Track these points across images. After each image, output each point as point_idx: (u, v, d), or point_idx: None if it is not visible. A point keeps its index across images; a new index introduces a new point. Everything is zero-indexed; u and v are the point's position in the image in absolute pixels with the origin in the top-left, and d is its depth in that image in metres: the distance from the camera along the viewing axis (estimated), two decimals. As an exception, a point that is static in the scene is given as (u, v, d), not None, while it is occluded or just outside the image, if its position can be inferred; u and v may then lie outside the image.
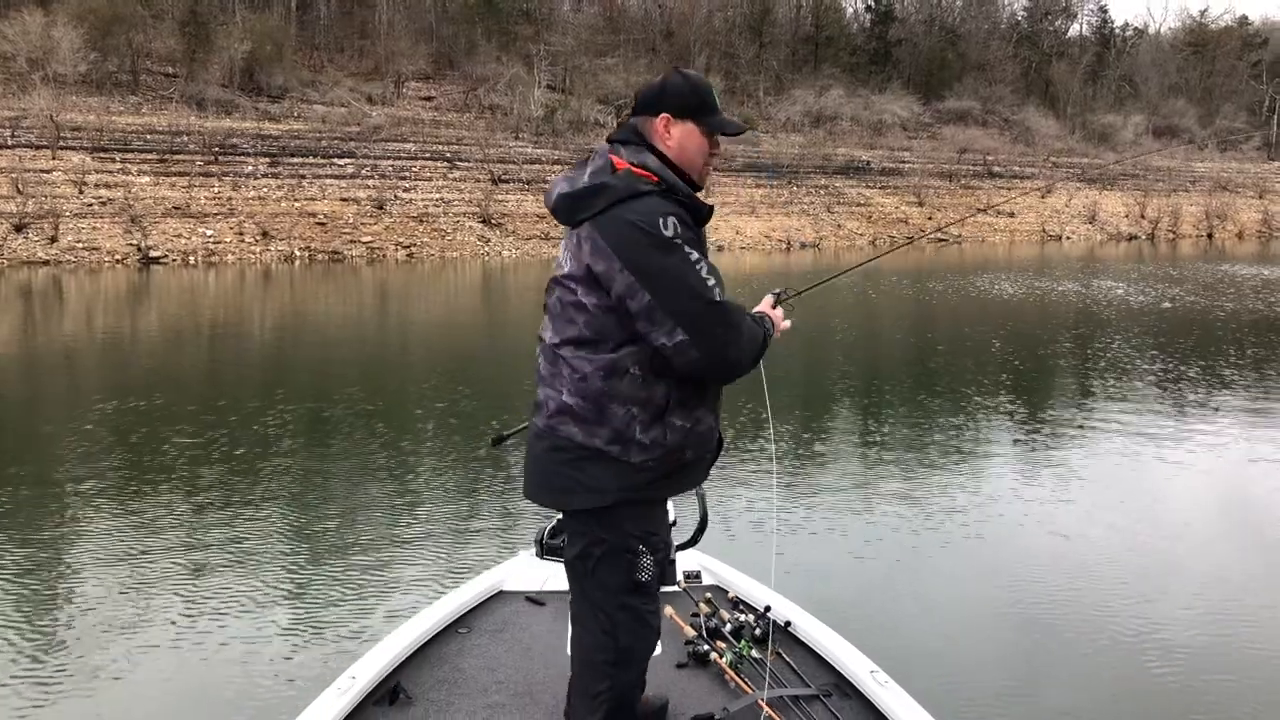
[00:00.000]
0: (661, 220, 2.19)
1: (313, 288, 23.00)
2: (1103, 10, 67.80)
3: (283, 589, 5.15)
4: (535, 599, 3.56)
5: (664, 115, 2.33)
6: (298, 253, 28.30)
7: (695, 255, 2.21)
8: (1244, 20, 71.99)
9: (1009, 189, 45.92)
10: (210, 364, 13.09)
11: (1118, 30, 67.88)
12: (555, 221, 2.50)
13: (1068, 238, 42.25)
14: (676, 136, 2.34)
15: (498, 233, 32.15)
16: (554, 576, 3.59)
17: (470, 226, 31.93)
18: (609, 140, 2.38)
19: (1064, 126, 54.80)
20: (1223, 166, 56.03)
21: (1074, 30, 66.38)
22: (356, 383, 11.27)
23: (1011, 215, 43.50)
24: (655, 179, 2.26)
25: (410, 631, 3.17)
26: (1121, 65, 64.46)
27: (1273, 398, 10.92)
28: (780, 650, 3.12)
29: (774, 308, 2.59)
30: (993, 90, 54.41)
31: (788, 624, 3.28)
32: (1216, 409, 10.22)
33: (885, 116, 48.24)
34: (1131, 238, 43.14)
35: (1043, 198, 45.77)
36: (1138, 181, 50.14)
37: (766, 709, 2.78)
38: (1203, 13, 73.17)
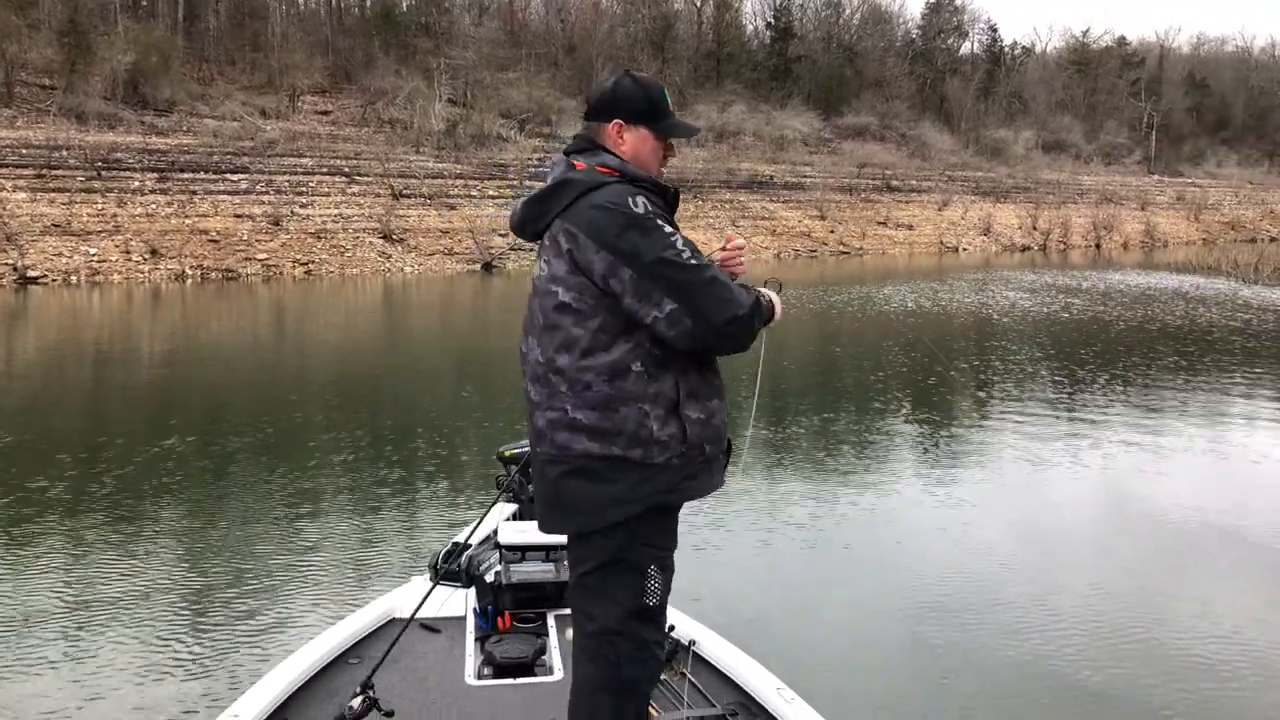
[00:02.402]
0: (630, 199, 2.18)
1: (206, 307, 22.07)
2: (993, 29, 69.97)
3: (167, 625, 4.85)
4: (430, 625, 3.44)
5: (616, 121, 2.34)
6: (189, 271, 27.18)
7: (669, 229, 2.19)
8: (1123, 40, 75.32)
9: (907, 203, 46.91)
10: (93, 390, 12.31)
11: (1007, 49, 70.22)
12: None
13: (964, 249, 43.30)
14: (630, 142, 2.35)
15: (399, 248, 31.43)
16: (449, 602, 3.53)
17: (371, 242, 31.14)
18: (565, 152, 2.38)
19: (958, 141, 56.30)
20: (1108, 180, 58.25)
21: (966, 48, 68.50)
22: (249, 407, 10.73)
23: (910, 228, 44.40)
24: (615, 174, 2.26)
25: (297, 664, 3.03)
26: (1011, 82, 66.63)
27: (1163, 402, 11.17)
28: (685, 670, 3.07)
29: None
30: (890, 106, 55.61)
31: (692, 644, 3.21)
32: (1109, 414, 10.41)
33: (787, 132, 48.86)
34: (1025, 248, 44.43)
35: (940, 210, 46.88)
36: (1029, 194, 51.77)
37: None
38: (1085, 33, 76.34)
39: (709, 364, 2.36)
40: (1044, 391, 11.82)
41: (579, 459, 2.23)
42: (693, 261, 2.18)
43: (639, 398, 2.20)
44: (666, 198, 2.31)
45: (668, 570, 2.35)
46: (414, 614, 3.32)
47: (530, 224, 2.34)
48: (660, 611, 2.37)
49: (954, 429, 9.87)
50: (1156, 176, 62.61)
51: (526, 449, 4.04)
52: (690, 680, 3.05)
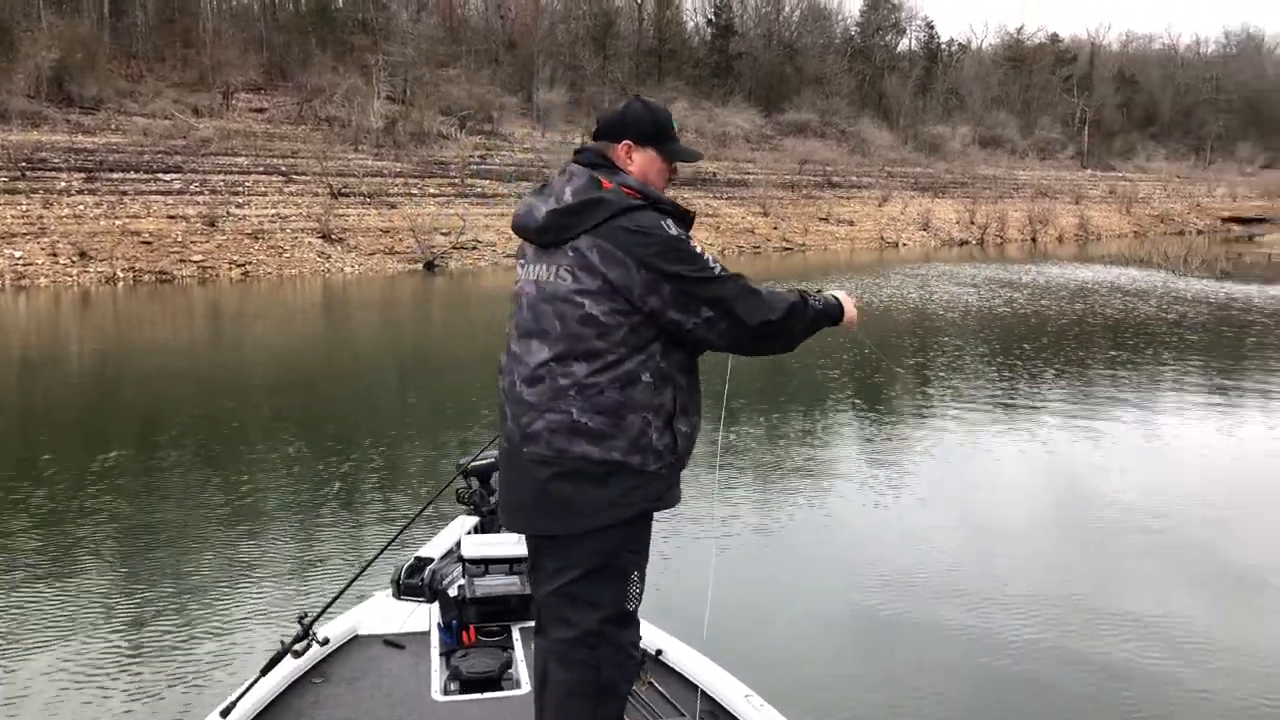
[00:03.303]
0: (663, 223, 2.32)
1: (139, 311, 21.43)
2: (930, 26, 70.84)
3: (117, 652, 4.67)
4: (394, 642, 3.42)
5: (626, 142, 2.47)
6: (121, 274, 26.39)
7: (700, 248, 2.35)
8: (1055, 38, 76.72)
9: (848, 199, 47.30)
10: (18, 400, 11.84)
11: (944, 46, 71.16)
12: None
13: (904, 244, 43.74)
14: (638, 162, 2.47)
15: (339, 248, 30.88)
16: (413, 617, 3.51)
17: (309, 242, 30.54)
18: (576, 161, 2.47)
19: (897, 137, 56.88)
20: (1043, 174, 59.30)
21: (904, 45, 69.27)
22: (188, 417, 10.39)
23: (851, 224, 44.75)
24: (640, 196, 2.36)
25: (260, 687, 2.95)
26: (948, 79, 67.53)
27: (1105, 395, 11.34)
28: (652, 679, 3.08)
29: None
30: (830, 103, 55.99)
31: (659, 652, 3.23)
32: (1054, 407, 10.55)
33: (729, 129, 48.96)
34: (963, 243, 45.02)
35: (880, 206, 47.32)
36: (967, 189, 52.50)
37: None
38: (1019, 30, 77.61)
39: (697, 381, 2.51)
40: (988, 386, 11.92)
41: (576, 461, 2.31)
42: (725, 274, 2.35)
43: (645, 407, 2.32)
44: (685, 221, 2.43)
45: (644, 579, 2.44)
46: (378, 631, 3.28)
47: (551, 233, 2.39)
48: (636, 616, 2.44)
49: (901, 426, 9.91)
50: (1089, 171, 63.94)
51: (487, 462, 4.07)
52: (657, 689, 3.05)
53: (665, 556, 5.81)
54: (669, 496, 2.43)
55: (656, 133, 2.49)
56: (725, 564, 5.94)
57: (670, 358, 2.39)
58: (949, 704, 4.32)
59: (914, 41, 69.87)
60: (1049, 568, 5.93)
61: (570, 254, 2.35)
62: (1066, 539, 6.58)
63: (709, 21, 59.30)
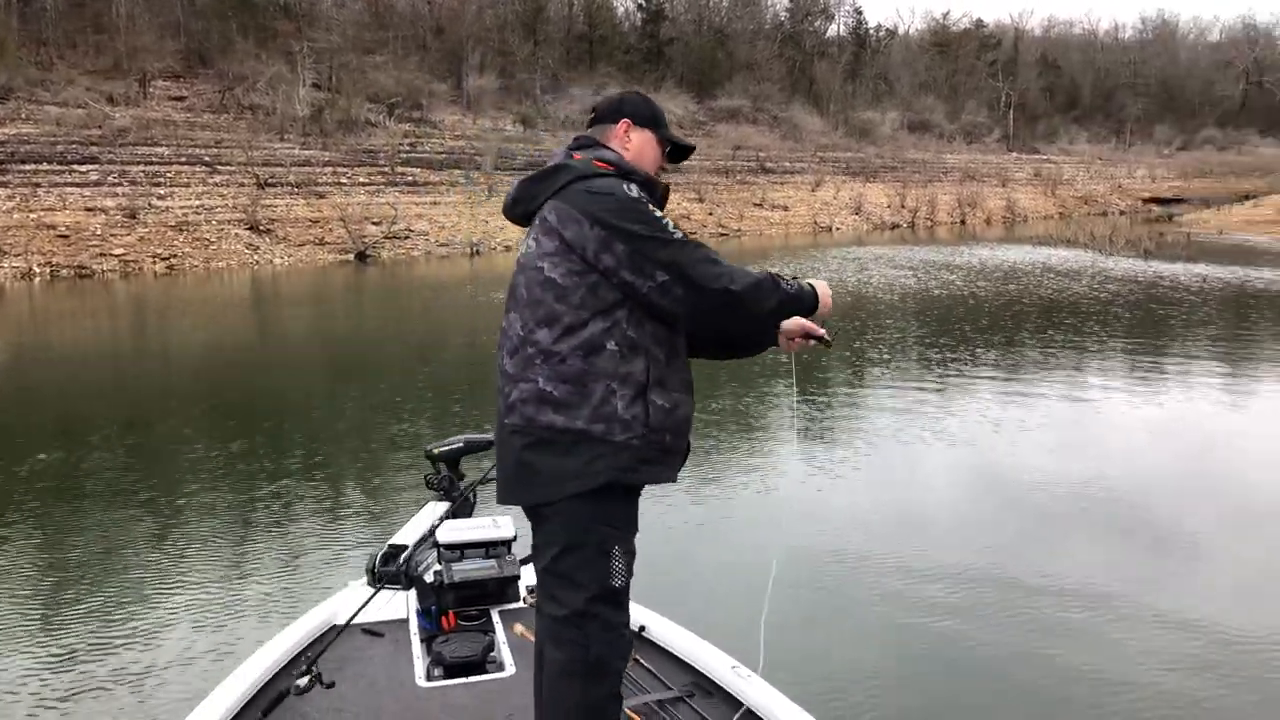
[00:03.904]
0: (625, 185, 2.33)
1: (57, 307, 20.60)
2: (858, 12, 71.44)
3: (85, 658, 4.51)
4: (372, 630, 3.41)
5: (625, 121, 2.53)
6: (36, 269, 25.37)
7: (661, 213, 2.33)
8: (980, 23, 78.05)
9: (782, 184, 47.50)
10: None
11: (872, 31, 71.84)
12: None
13: (838, 228, 44.10)
14: (636, 141, 2.53)
15: (268, 239, 30.08)
16: (390, 605, 3.51)
17: (236, 234, 29.69)
18: (566, 149, 2.50)
19: (828, 123, 57.27)
20: (970, 158, 60.23)
21: (832, 31, 69.75)
22: (115, 416, 9.93)
23: (785, 209, 44.96)
24: (612, 168, 2.39)
25: (236, 685, 2.92)
26: (877, 64, 68.26)
27: (1045, 373, 11.47)
28: (638, 656, 3.08)
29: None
30: (761, 88, 56.12)
31: (643, 629, 3.26)
32: (995, 386, 10.67)
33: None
34: (895, 226, 45.55)
35: (813, 191, 47.61)
36: (897, 173, 53.08)
37: (633, 716, 2.76)
38: (945, 15, 78.94)
39: (678, 355, 2.44)
40: (931, 368, 11.97)
41: (543, 430, 2.30)
42: (683, 238, 2.31)
43: (610, 375, 2.28)
44: (656, 193, 2.42)
45: (631, 553, 2.40)
46: (351, 618, 3.26)
47: (521, 204, 2.44)
48: (625, 593, 2.41)
49: (848, 407, 9.92)
50: (1015, 154, 65.09)
51: (455, 446, 4.08)
52: (643, 665, 3.06)
53: (643, 531, 5.72)
54: (645, 470, 2.35)
55: (652, 117, 2.56)
56: (707, 541, 6.02)
57: (642, 327, 2.34)
58: (946, 678, 4.39)
59: (843, 27, 70.49)
60: (980, 538, 6.08)
61: (537, 221, 2.38)
62: (1005, 512, 6.69)
63: (639, 7, 59.04)
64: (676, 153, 2.69)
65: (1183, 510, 6.64)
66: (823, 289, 2.52)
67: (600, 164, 2.39)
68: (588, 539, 2.33)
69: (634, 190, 2.32)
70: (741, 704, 2.89)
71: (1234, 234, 36.01)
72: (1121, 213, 52.89)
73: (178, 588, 5.36)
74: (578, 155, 2.43)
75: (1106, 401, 9.94)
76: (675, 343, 2.43)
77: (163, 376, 12.48)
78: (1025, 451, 8.10)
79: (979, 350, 12.88)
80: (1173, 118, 77.65)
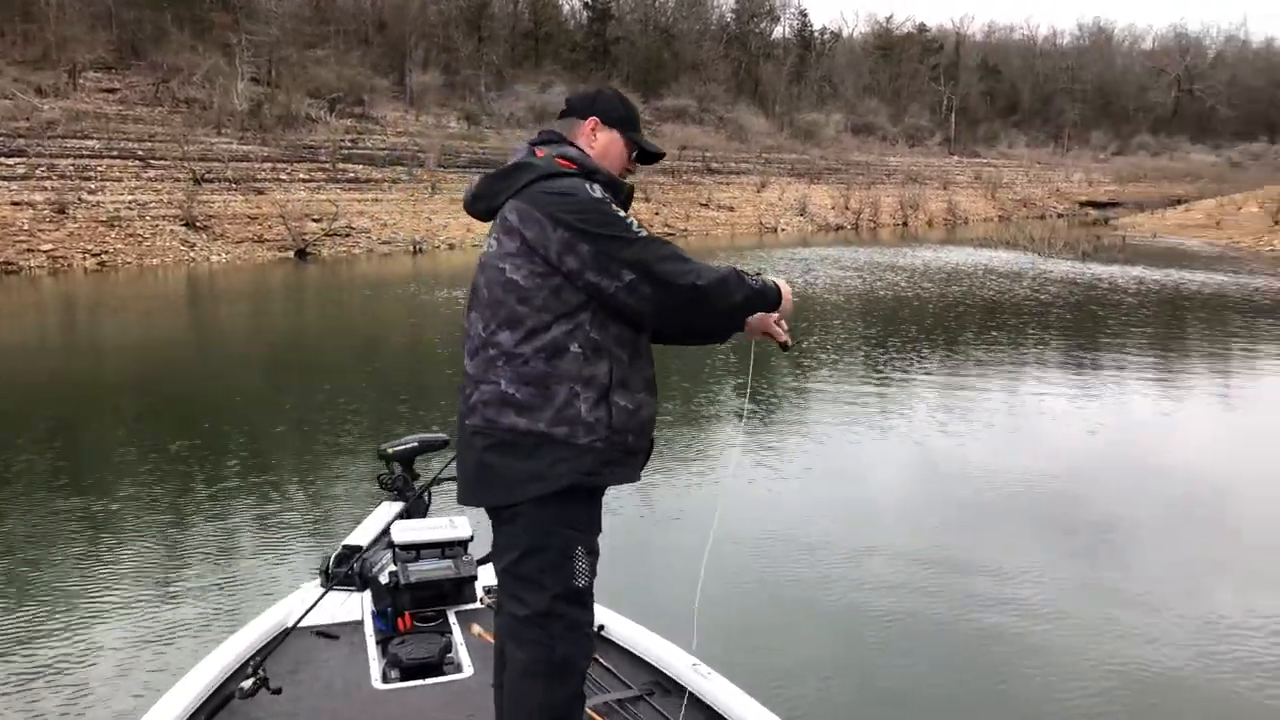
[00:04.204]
0: (588, 185, 2.28)
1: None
2: (803, 14, 71.80)
3: (24, 672, 4.30)
4: (327, 633, 3.36)
5: (593, 118, 2.47)
6: (-41, 265, 24.47)
7: (625, 213, 2.29)
8: (923, 27, 78.94)
9: (727, 184, 47.61)
10: None
11: (816, 33, 72.32)
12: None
13: (783, 229, 44.32)
14: (602, 141, 2.47)
15: (204, 236, 29.35)
16: (344, 606, 3.48)
17: (172, 230, 28.92)
18: (530, 143, 2.46)
19: (774, 124, 57.56)
20: (912, 161, 60.94)
21: (778, 32, 70.12)
22: (44, 416, 9.55)
23: (731, 209, 45.07)
24: (574, 166, 2.34)
25: (187, 690, 2.85)
26: (821, 67, 68.73)
27: (990, 373, 11.57)
28: (597, 655, 3.05)
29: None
30: (707, 89, 56.22)
31: (601, 628, 3.22)
32: (940, 385, 10.73)
33: (608, 113, 48.61)
34: (839, 227, 45.89)
35: (758, 192, 47.79)
36: (841, 175, 53.51)
37: (593, 715, 2.74)
38: (888, 19, 79.64)
39: (641, 356, 2.41)
40: (874, 367, 12.01)
41: (505, 433, 2.28)
42: (648, 237, 2.28)
43: (573, 378, 2.26)
44: (620, 194, 2.38)
45: (594, 553, 2.39)
46: (300, 619, 3.18)
47: (483, 201, 2.39)
48: (589, 593, 2.40)
49: (801, 405, 9.93)
50: (956, 157, 66.01)
51: (410, 446, 3.99)
52: (602, 664, 3.05)
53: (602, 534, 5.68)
54: (607, 473, 2.34)
55: (625, 117, 2.50)
56: (661, 540, 6.01)
57: (605, 329, 2.32)
58: (903, 671, 4.45)
59: (788, 29, 70.84)
60: (925, 532, 6.21)
61: (498, 220, 2.34)
62: (948, 507, 6.79)
63: (585, 5, 58.78)
64: (645, 156, 2.61)
65: (1118, 504, 6.82)
66: (785, 287, 2.53)
67: (563, 161, 2.34)
68: (551, 541, 2.31)
69: (597, 190, 2.28)
70: (701, 701, 2.87)
71: (1167, 237, 36.83)
72: (1059, 216, 53.88)
73: (120, 596, 5.13)
74: (541, 151, 2.38)
75: (1048, 400, 10.02)
76: (639, 344, 2.41)
77: (94, 376, 12.03)
78: (969, 448, 8.21)
79: (924, 350, 12.94)
80: (1108, 123, 79.36)
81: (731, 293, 2.35)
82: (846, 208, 48.41)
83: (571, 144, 2.44)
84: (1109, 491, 7.15)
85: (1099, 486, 7.22)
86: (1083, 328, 15.22)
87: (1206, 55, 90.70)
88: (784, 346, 2.64)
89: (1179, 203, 51.64)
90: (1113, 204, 57.12)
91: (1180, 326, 15.88)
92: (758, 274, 2.48)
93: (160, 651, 4.49)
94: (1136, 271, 23.65)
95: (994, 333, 14.55)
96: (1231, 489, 7.33)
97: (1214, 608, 5.09)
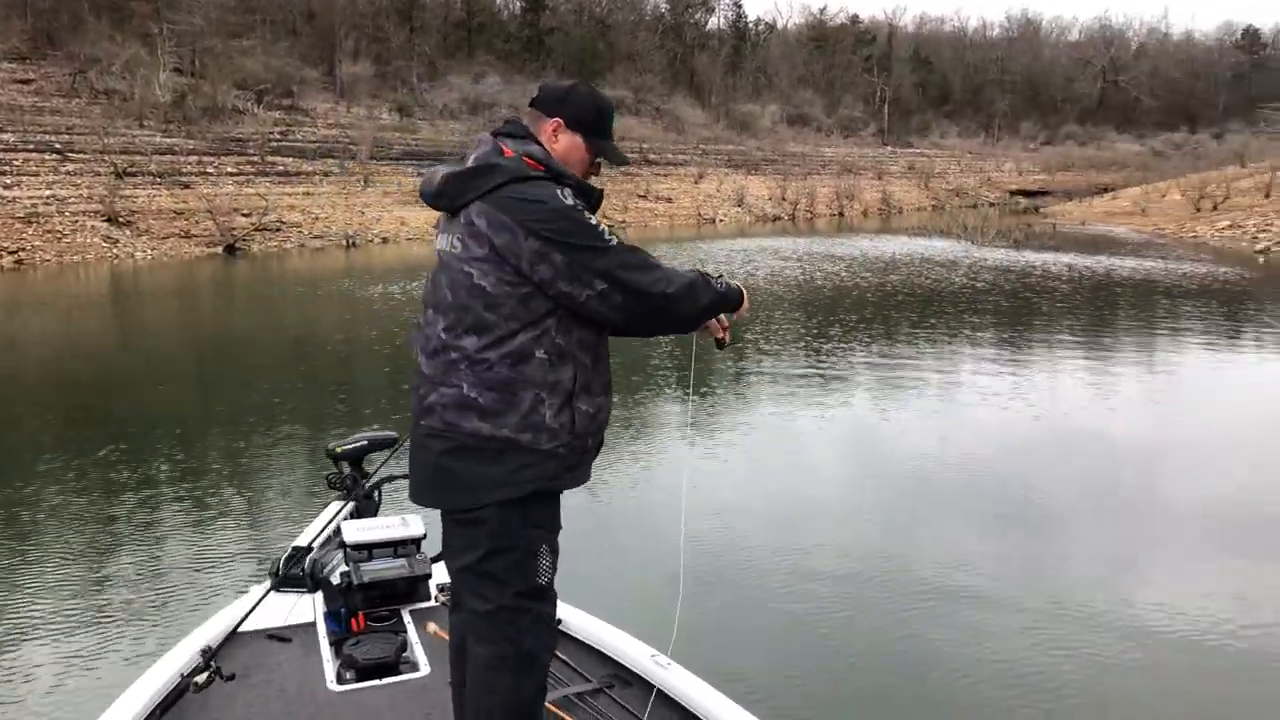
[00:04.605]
0: (558, 192, 2.24)
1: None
2: (737, 5, 72.11)
3: None
4: (278, 635, 3.32)
5: (557, 120, 2.39)
6: None
7: (595, 220, 2.27)
8: (855, 19, 79.93)
9: (665, 175, 47.55)
10: None
11: (751, 24, 72.66)
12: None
13: (721, 220, 44.39)
14: (563, 144, 2.40)
15: (128, 232, 28.42)
16: (296, 608, 3.45)
17: (93, 226, 27.95)
18: (493, 133, 2.41)
19: (710, 115, 57.70)
20: (847, 151, 61.56)
21: (713, 23, 70.29)
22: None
23: (669, 200, 45.01)
24: (542, 168, 2.28)
25: (137, 697, 2.78)
26: (756, 58, 69.08)
27: (907, 359, 11.63)
28: (555, 649, 2.92)
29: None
30: (643, 80, 56.18)
31: (558, 622, 3.12)
32: (884, 373, 10.78)
33: (543, 104, 48.27)
34: (776, 218, 46.08)
35: (696, 183, 47.81)
36: (778, 166, 53.79)
37: (553, 709, 2.73)
38: (822, 10, 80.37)
39: (602, 359, 2.42)
40: (815, 357, 12.01)
41: (466, 437, 2.26)
42: (620, 245, 2.26)
43: (538, 384, 2.25)
44: (590, 199, 2.34)
45: (556, 551, 2.40)
46: (245, 617, 3.16)
47: (446, 199, 2.32)
48: (552, 588, 2.41)
49: (743, 397, 9.89)
50: (890, 148, 66.81)
51: (359, 445, 3.87)
52: (560, 658, 3.04)
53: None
54: (568, 476, 2.35)
55: (593, 121, 2.42)
56: (620, 533, 5.97)
57: (570, 334, 2.31)
58: (859, 659, 4.50)
59: (723, 20, 71.14)
60: (867, 520, 6.32)
61: (463, 221, 2.28)
62: (893, 495, 6.87)
63: (519, -5, 58.32)
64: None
65: (1055, 490, 6.95)
66: (744, 291, 2.54)
67: (530, 162, 2.29)
68: (516, 542, 2.31)
69: (568, 197, 2.25)
70: (661, 692, 2.88)
71: (1096, 225, 37.62)
72: (991, 204, 54.73)
73: (60, 609, 4.89)
74: (507, 148, 2.32)
75: (986, 387, 10.11)
76: (600, 347, 2.42)
77: (12, 379, 11.50)
78: (912, 437, 8.26)
79: (865, 340, 12.97)
80: (1037, 113, 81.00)
81: (699, 298, 2.37)
82: (783, 198, 48.65)
83: (536, 140, 2.37)
84: (1049, 482, 7.26)
85: (1038, 476, 7.31)
86: (1019, 315, 15.40)
87: (1130, 47, 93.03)
88: (719, 344, 2.65)
89: (1106, 191, 52.82)
90: (1042, 192, 58.24)
91: (1113, 311, 16.16)
92: (719, 276, 2.47)
93: (112, 660, 4.35)
94: (1068, 259, 24.06)
95: (933, 320, 14.64)
96: (1164, 468, 7.51)
97: (1149, 584, 5.25)
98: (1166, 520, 6.34)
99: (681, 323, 2.42)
